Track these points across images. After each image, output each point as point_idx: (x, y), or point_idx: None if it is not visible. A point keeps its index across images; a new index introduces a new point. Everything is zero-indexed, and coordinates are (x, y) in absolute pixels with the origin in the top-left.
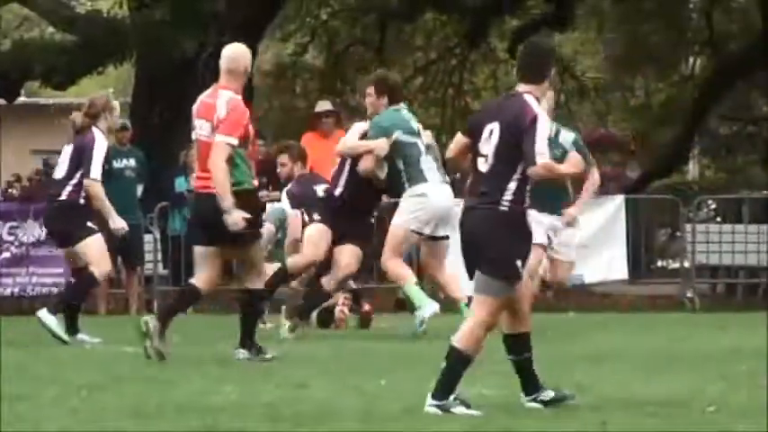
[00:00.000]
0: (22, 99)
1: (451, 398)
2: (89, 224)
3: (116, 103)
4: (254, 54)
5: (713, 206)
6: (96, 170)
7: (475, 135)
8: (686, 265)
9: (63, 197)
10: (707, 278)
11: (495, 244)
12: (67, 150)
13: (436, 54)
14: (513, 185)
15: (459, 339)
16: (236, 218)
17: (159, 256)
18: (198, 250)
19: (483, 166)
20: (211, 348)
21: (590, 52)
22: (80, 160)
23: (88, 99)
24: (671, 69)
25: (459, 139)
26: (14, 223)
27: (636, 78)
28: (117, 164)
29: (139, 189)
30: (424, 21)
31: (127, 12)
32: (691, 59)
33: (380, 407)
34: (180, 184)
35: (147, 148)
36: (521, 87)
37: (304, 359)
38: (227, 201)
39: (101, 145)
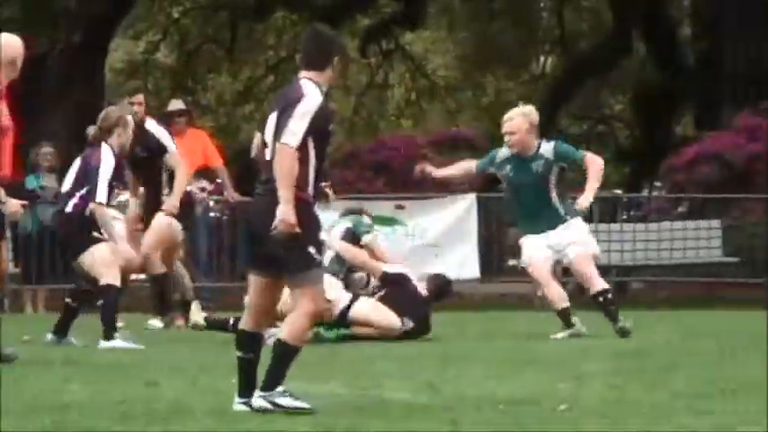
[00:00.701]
0: None
1: (279, 389)
2: (94, 234)
3: (130, 119)
4: (106, 52)
5: None
6: (102, 193)
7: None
8: None
9: (68, 209)
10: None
11: (285, 237)
12: (76, 163)
13: (287, 52)
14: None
15: (285, 332)
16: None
17: (10, 255)
18: None
19: (268, 154)
20: (62, 348)
21: (441, 51)
22: (85, 177)
23: (104, 111)
24: (521, 68)
25: (258, 136)
26: None
27: (486, 77)
28: None
29: None
30: (275, 19)
31: None
32: (541, 58)
33: (231, 405)
34: (29, 182)
35: None
36: (302, 73)
37: (156, 357)
38: None
39: (108, 165)
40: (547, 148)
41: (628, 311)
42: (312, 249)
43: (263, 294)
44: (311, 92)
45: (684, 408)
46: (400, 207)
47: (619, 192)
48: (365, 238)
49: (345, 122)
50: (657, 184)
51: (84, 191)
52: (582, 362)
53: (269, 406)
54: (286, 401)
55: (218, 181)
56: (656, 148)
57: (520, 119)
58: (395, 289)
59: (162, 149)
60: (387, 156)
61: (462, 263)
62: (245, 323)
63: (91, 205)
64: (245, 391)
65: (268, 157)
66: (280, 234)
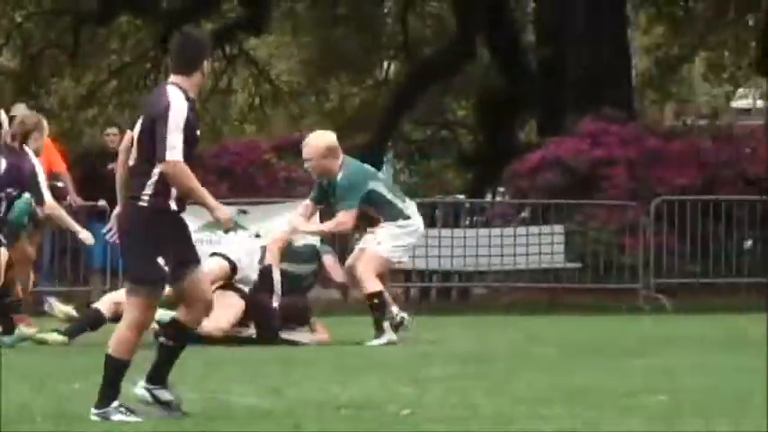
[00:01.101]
0: None
1: (113, 405)
2: None
3: (45, 124)
4: None
5: None
6: (48, 195)
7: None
8: None
9: None
10: (401, 282)
11: (133, 244)
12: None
13: (131, 57)
14: (153, 179)
15: (112, 346)
16: None
17: None
18: None
19: (132, 160)
20: None
21: (285, 56)
22: (17, 181)
23: (19, 116)
24: (366, 73)
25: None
26: None
27: (330, 82)
28: None
29: None
30: (119, 24)
31: None
32: (385, 64)
33: (72, 409)
34: None
35: None
36: (171, 78)
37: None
38: None
39: (41, 170)
40: (343, 172)
41: (470, 317)
42: (161, 261)
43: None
44: (176, 100)
45: (526, 413)
46: (243, 212)
47: (461, 197)
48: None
49: None
50: (501, 189)
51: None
52: (424, 366)
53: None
54: (118, 417)
55: (61, 185)
56: (499, 153)
57: (314, 145)
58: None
59: None
60: (230, 161)
61: None
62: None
63: (45, 209)
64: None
65: (131, 164)
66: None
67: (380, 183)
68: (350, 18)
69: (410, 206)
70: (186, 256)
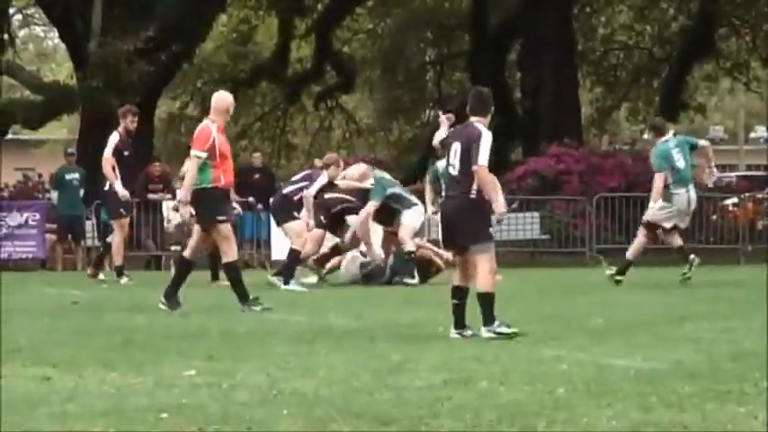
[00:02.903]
0: (10, 136)
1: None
2: None
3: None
4: None
5: None
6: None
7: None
8: None
9: None
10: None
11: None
12: None
13: (268, 108)
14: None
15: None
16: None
17: (96, 234)
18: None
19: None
20: None
21: (365, 106)
22: None
23: None
24: (415, 118)
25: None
26: (3, 213)
27: (393, 123)
28: (68, 176)
29: (81, 192)
30: (262, 86)
31: (75, 81)
32: (427, 111)
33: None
34: None
35: (85, 166)
36: (473, 119)
37: None
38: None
39: None
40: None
41: None
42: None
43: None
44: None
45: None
46: None
47: None
48: None
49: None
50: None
51: None
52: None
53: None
54: (503, 329)
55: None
56: (498, 167)
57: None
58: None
59: None
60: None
61: None
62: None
63: None
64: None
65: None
66: None
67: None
68: (405, 82)
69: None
70: None
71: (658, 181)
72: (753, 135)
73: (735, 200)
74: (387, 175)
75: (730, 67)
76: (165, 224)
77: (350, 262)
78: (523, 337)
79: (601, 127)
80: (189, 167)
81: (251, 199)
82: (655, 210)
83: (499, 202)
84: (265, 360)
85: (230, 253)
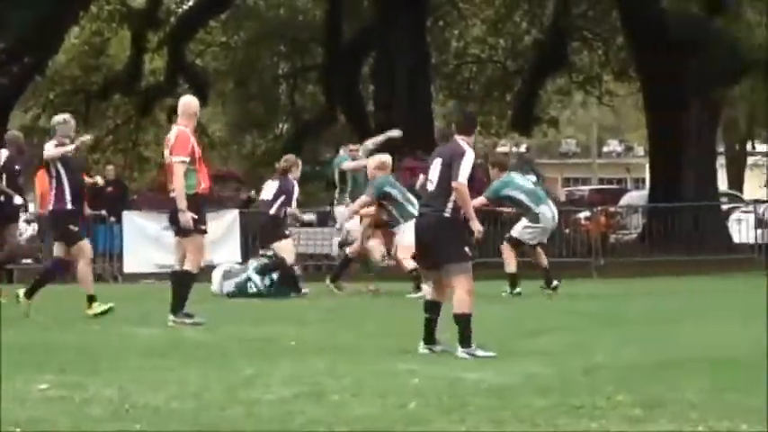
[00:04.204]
0: None
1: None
2: None
3: None
4: None
5: None
6: None
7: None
8: None
9: None
10: None
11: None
12: None
13: (121, 120)
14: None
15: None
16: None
17: None
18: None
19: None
20: None
21: (217, 120)
22: None
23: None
24: (268, 131)
25: None
26: None
27: (246, 136)
28: None
29: None
30: (114, 99)
31: None
32: (280, 125)
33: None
34: None
35: None
36: (458, 137)
37: None
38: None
39: None
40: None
41: None
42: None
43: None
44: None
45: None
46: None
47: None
48: None
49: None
50: None
51: None
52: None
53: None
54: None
55: None
56: None
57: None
58: None
59: None
60: None
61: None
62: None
63: None
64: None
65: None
66: None
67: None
68: (258, 95)
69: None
70: None
71: (477, 199)
72: (605, 149)
73: (587, 213)
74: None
75: (583, 81)
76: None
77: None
78: (376, 350)
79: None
80: (176, 175)
81: (103, 212)
82: (519, 228)
83: (476, 220)
84: (118, 373)
85: (194, 266)
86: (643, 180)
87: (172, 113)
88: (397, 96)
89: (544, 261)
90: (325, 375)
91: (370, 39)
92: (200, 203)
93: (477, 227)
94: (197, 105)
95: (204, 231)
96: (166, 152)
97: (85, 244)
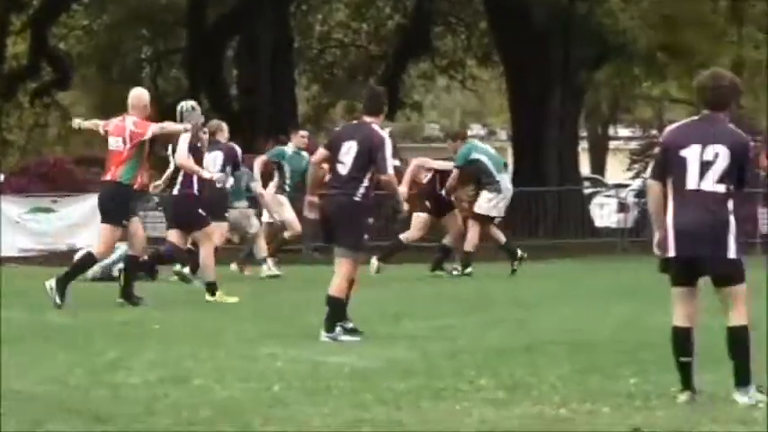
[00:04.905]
0: None
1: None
2: None
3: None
4: None
5: None
6: None
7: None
8: None
9: None
10: None
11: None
12: None
13: None
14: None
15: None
16: None
17: None
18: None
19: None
20: None
21: (81, 103)
22: None
23: None
24: None
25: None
26: None
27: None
28: None
29: None
30: None
31: None
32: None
33: None
34: None
35: None
36: (367, 119)
37: None
38: None
39: None
40: None
41: None
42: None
43: None
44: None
45: None
46: (54, 201)
47: None
48: None
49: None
50: None
51: None
52: None
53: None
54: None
55: None
56: None
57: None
58: None
59: None
60: (48, 168)
61: None
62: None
63: None
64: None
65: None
66: None
67: None
68: (121, 79)
69: None
70: None
71: (452, 174)
72: (468, 133)
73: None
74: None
75: (446, 66)
76: None
77: None
78: (240, 334)
79: (318, 124)
80: (168, 125)
81: None
82: (483, 204)
83: (403, 202)
84: None
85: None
86: (506, 164)
87: (34, 97)
88: (261, 80)
89: (502, 237)
90: (189, 359)
91: (233, 22)
92: (131, 196)
93: (404, 207)
94: (148, 98)
95: (124, 226)
96: (116, 140)
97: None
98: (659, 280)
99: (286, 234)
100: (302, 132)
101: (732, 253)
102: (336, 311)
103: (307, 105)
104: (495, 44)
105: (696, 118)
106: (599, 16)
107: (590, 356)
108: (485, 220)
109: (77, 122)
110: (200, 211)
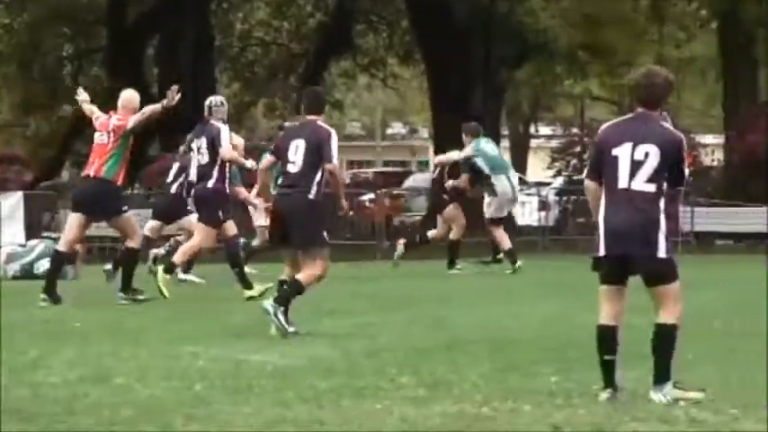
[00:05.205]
0: None
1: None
2: None
3: None
4: None
5: None
6: None
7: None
8: None
9: None
10: None
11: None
12: None
13: None
14: None
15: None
16: None
17: None
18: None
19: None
20: None
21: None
22: None
23: None
24: (51, 112)
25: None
26: None
27: (30, 118)
28: None
29: None
30: None
31: None
32: (64, 106)
33: None
34: None
35: None
36: (311, 117)
37: None
38: None
39: None
40: None
41: None
42: None
43: None
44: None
45: None
46: None
47: None
48: None
49: None
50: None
51: None
52: None
53: None
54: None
55: None
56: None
57: None
58: None
59: None
60: None
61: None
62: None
63: None
64: None
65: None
66: None
67: None
68: (40, 78)
69: None
70: None
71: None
72: (390, 131)
73: (371, 196)
74: None
75: (367, 64)
76: None
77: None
78: (162, 333)
79: (239, 122)
80: (147, 109)
81: None
82: (486, 208)
83: (343, 199)
84: None
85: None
86: (427, 162)
87: None
88: (182, 79)
89: (507, 243)
90: (110, 358)
91: (154, 21)
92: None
93: (343, 205)
94: (138, 100)
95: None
96: (102, 135)
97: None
98: (582, 278)
99: (255, 242)
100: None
101: (662, 252)
102: (293, 293)
103: (228, 104)
104: (416, 42)
105: (630, 116)
106: (520, 15)
107: (511, 355)
108: (490, 223)
109: (82, 97)
110: (224, 209)
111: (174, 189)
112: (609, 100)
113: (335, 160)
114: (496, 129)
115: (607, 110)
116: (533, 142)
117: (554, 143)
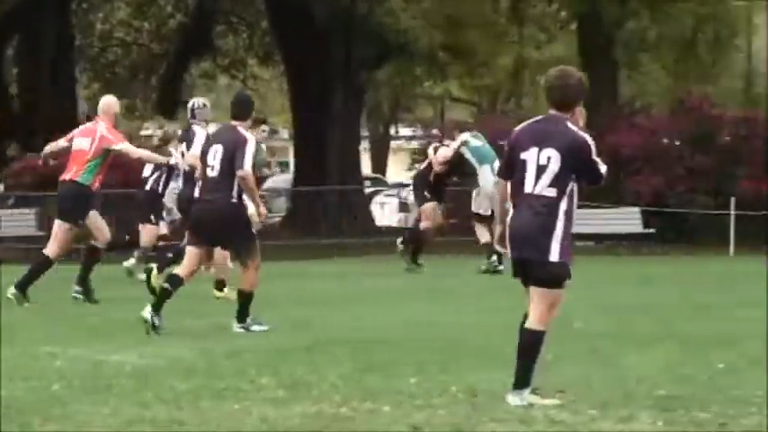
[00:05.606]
0: None
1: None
2: None
3: None
4: None
5: None
6: None
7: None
8: None
9: None
10: None
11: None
12: None
13: None
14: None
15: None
16: None
17: None
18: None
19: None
20: None
21: None
22: None
23: None
24: None
25: None
26: None
27: None
28: None
29: None
30: None
31: None
32: None
33: None
34: None
35: None
36: (234, 122)
37: None
38: None
39: None
40: None
41: None
42: None
43: None
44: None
45: None
46: None
47: None
48: None
49: None
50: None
51: None
52: None
53: None
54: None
55: None
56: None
57: None
58: None
59: None
60: None
61: None
62: None
63: None
64: None
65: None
66: None
67: None
68: None
69: None
70: None
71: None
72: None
73: None
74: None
75: (228, 65)
76: None
77: None
78: (21, 333)
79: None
80: (136, 153)
81: None
82: (474, 202)
83: (261, 205)
84: None
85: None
86: (287, 163)
87: None
88: (41, 79)
89: (486, 236)
90: None
91: (14, 20)
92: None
93: (262, 211)
94: (118, 106)
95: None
96: (83, 141)
97: None
98: (447, 280)
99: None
100: (263, 127)
101: (555, 256)
102: (246, 304)
103: (89, 104)
104: (276, 43)
105: (540, 118)
106: (380, 15)
107: (372, 355)
108: (474, 217)
109: (50, 161)
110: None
111: (149, 185)
112: (468, 101)
113: (247, 167)
114: (357, 129)
115: (467, 111)
116: (393, 143)
117: (414, 144)
